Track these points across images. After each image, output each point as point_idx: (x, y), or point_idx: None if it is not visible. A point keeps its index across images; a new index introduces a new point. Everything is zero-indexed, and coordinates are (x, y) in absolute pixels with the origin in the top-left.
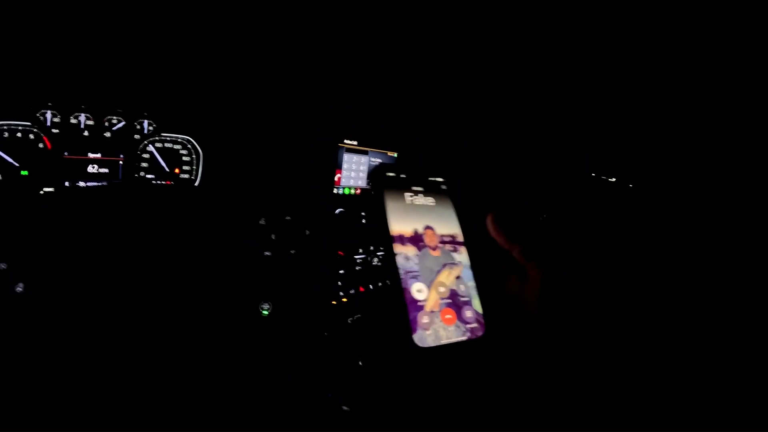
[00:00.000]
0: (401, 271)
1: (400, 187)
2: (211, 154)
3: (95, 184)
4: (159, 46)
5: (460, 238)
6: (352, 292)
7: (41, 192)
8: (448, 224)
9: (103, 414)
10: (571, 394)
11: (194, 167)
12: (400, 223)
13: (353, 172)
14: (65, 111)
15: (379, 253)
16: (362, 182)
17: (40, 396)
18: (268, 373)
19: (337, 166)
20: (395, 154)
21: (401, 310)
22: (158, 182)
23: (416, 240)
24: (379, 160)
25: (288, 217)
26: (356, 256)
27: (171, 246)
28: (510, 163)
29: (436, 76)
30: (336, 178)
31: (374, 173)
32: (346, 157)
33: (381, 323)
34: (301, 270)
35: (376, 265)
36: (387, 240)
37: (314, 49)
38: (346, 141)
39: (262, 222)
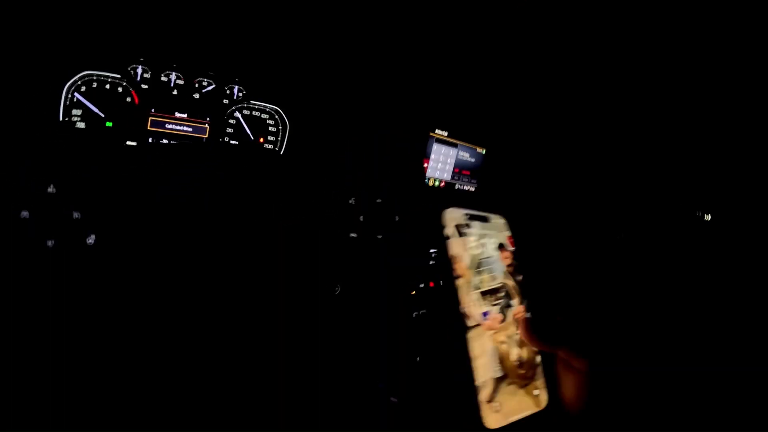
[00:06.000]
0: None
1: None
2: (298, 127)
3: (178, 143)
4: (259, 14)
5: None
6: (421, 285)
7: (124, 145)
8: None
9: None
10: None
11: (279, 138)
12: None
13: (440, 163)
14: (157, 68)
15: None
16: (447, 175)
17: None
18: (323, 355)
19: (425, 156)
20: (484, 151)
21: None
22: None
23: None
24: (467, 155)
25: (379, 200)
26: (431, 250)
27: (249, 214)
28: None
29: (536, 80)
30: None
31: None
32: (435, 147)
33: (444, 323)
34: (384, 257)
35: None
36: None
37: (417, 34)
38: (437, 131)
39: (351, 201)
